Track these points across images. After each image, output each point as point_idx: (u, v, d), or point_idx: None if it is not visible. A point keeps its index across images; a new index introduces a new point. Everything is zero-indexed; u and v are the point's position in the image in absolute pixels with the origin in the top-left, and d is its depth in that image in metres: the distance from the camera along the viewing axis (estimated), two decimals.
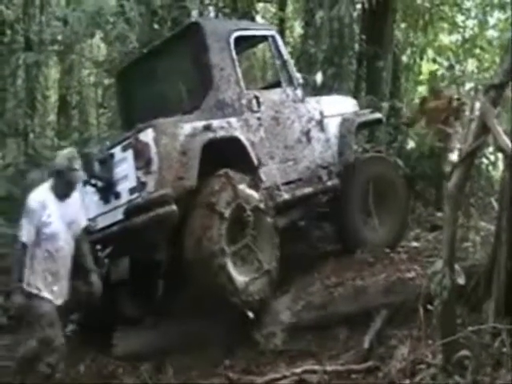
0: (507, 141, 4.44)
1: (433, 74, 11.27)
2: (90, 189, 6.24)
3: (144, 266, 6.26)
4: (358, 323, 5.73)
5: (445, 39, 13.61)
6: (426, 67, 13.39)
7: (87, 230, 5.87)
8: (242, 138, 6.27)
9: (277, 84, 7.07)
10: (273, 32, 7.13)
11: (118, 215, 5.98)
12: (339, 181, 7.21)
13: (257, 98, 6.66)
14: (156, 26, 10.03)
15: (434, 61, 13.18)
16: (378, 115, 8.18)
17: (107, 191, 6.14)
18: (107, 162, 6.11)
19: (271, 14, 13.84)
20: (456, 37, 13.50)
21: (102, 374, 6.00)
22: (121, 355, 6.07)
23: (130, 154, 5.92)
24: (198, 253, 5.78)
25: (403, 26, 13.15)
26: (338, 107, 7.64)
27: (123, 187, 6.03)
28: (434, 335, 4.88)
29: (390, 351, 5.35)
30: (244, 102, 6.55)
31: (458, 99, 9.64)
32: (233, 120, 6.35)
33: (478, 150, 4.90)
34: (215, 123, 6.15)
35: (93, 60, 11.47)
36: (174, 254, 6.00)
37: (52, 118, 12.98)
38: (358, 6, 12.29)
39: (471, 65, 13.31)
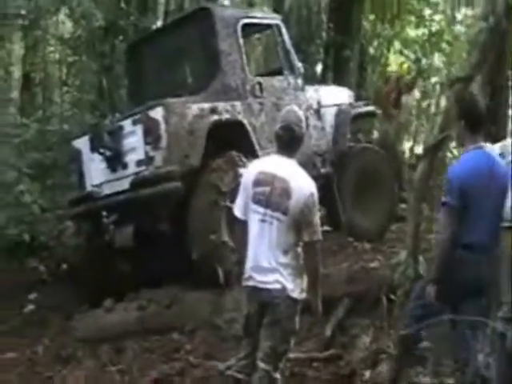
0: None
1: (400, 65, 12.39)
2: (97, 156, 7.07)
3: (147, 236, 7.11)
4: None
5: (411, 32, 14.85)
6: (393, 59, 14.66)
7: (92, 196, 6.77)
8: (245, 121, 7.14)
9: (278, 71, 7.92)
10: (277, 21, 7.96)
11: (125, 185, 6.77)
12: (332, 169, 8.18)
13: (260, 84, 7.51)
14: (122, 5, 10.77)
15: (401, 53, 14.43)
16: (371, 108, 9.20)
17: (114, 161, 6.96)
18: (116, 133, 6.93)
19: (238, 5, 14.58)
20: (423, 30, 14.75)
21: (61, 356, 6.44)
22: (80, 337, 6.66)
23: (139, 128, 6.72)
24: (201, 227, 6.62)
25: (371, 17, 14.27)
26: (335, 97, 8.57)
27: (130, 159, 6.86)
28: (397, 325, 5.24)
29: (352, 340, 5.80)
30: (248, 87, 7.39)
31: (410, 77, 10.75)
32: (237, 104, 7.18)
33: (443, 143, 5.43)
34: (220, 106, 6.97)
35: (58, 37, 11.90)
36: (176, 227, 6.86)
37: (15, 94, 13.34)
38: None
39: (438, 59, 14.55)
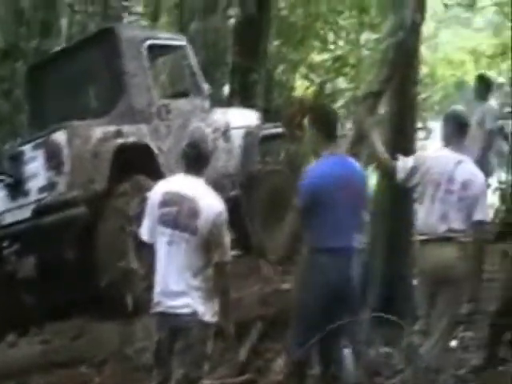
0: (382, 148, 5.13)
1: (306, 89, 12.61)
2: None
3: (51, 265, 6.89)
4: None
5: (316, 57, 15.11)
6: (299, 84, 14.87)
7: None
8: (152, 144, 7.05)
9: (184, 93, 7.88)
10: (184, 42, 7.91)
11: (26, 213, 6.55)
12: (241, 191, 8.16)
13: (166, 106, 7.45)
14: (23, 28, 10.58)
15: (307, 77, 14.66)
16: (279, 129, 9.19)
17: (15, 188, 6.73)
18: (17, 159, 6.70)
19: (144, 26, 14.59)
20: (327, 55, 15.05)
21: None
22: None
23: (41, 153, 6.53)
24: (108, 254, 6.47)
25: (276, 42, 14.44)
26: (243, 119, 8.56)
27: (32, 185, 6.64)
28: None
29: (267, 364, 5.74)
30: (154, 109, 7.31)
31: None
32: (143, 127, 7.10)
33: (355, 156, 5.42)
34: (126, 129, 6.87)
35: None
36: (82, 254, 6.68)
37: None
38: (232, 20, 13.45)
39: (342, 82, 14.85)
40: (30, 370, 6.17)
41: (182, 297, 4.20)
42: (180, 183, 4.35)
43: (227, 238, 4.30)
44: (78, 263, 6.74)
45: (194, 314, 4.19)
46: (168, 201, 4.27)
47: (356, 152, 5.38)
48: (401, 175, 4.98)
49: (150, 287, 4.42)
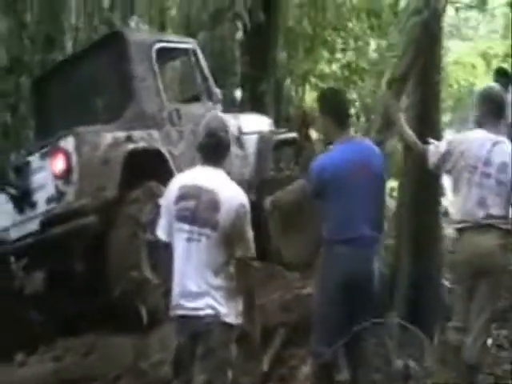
0: (411, 132, 5.01)
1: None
2: (2, 197, 6.54)
3: (61, 279, 6.64)
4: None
5: (326, 67, 14.91)
6: (309, 94, 14.64)
7: None
8: (163, 150, 6.79)
9: (196, 98, 7.64)
10: (194, 45, 7.70)
11: (34, 226, 6.29)
12: (256, 197, 7.77)
13: (177, 111, 7.21)
14: (26, 41, 10.45)
15: (316, 87, 14.45)
16: (292, 135, 8.97)
17: (22, 200, 6.45)
18: (23, 169, 6.45)
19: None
20: (335, 65, 14.86)
21: None
22: None
23: (48, 162, 6.28)
24: (121, 264, 6.20)
25: (284, 53, 14.28)
26: (255, 125, 8.34)
27: (40, 196, 6.36)
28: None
29: (291, 371, 5.59)
30: (165, 114, 7.07)
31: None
32: (154, 132, 6.85)
33: (382, 144, 5.39)
34: (136, 134, 6.62)
35: None
36: (93, 265, 6.38)
37: None
38: (240, 30, 13.28)
39: (352, 92, 14.60)
40: None
41: (203, 297, 3.93)
42: (198, 175, 4.10)
43: (250, 232, 4.05)
44: (88, 275, 6.45)
45: (216, 315, 3.93)
46: (185, 194, 4.01)
47: (382, 138, 5.24)
48: (433, 161, 4.78)
49: (165, 296, 4.21)
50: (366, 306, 4.51)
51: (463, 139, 4.78)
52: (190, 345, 3.97)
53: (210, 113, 7.19)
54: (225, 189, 4.01)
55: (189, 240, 3.96)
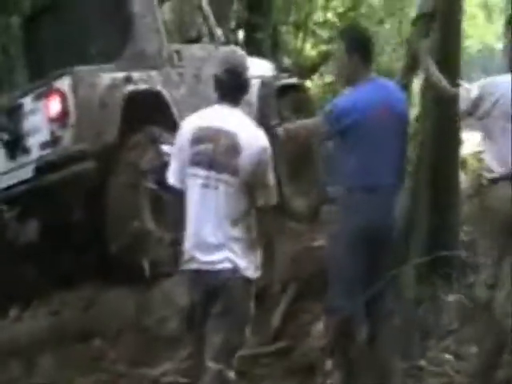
0: (439, 74, 4.63)
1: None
2: None
3: (57, 229, 6.32)
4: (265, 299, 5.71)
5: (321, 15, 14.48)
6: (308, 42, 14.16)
7: None
8: (164, 92, 6.42)
9: (197, 38, 7.26)
10: None
11: (27, 173, 5.95)
12: None
13: (178, 52, 6.85)
14: None
15: (314, 34, 14.00)
16: (294, 80, 8.58)
17: (14, 146, 6.11)
18: (15, 112, 6.09)
19: None
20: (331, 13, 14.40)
21: None
22: None
23: (42, 104, 5.91)
24: (120, 214, 5.88)
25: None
26: (258, 69, 7.89)
27: (33, 141, 6.02)
28: None
29: (304, 328, 5.32)
30: (165, 55, 6.71)
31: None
32: (154, 73, 6.48)
33: (408, 84, 5.13)
34: (136, 75, 6.24)
35: None
36: (91, 215, 6.11)
37: None
38: None
39: None
40: (37, 346, 5.62)
41: (221, 250, 3.57)
42: (215, 116, 3.71)
43: (273, 178, 3.67)
44: (86, 225, 6.21)
45: (235, 269, 3.57)
46: (202, 137, 3.63)
47: (408, 79, 4.93)
48: (463, 107, 4.43)
49: (171, 248, 3.84)
50: (385, 257, 4.30)
51: (497, 83, 4.40)
52: (205, 301, 3.62)
53: (219, 52, 6.85)
54: (246, 131, 3.63)
55: (205, 187, 3.59)
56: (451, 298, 5.33)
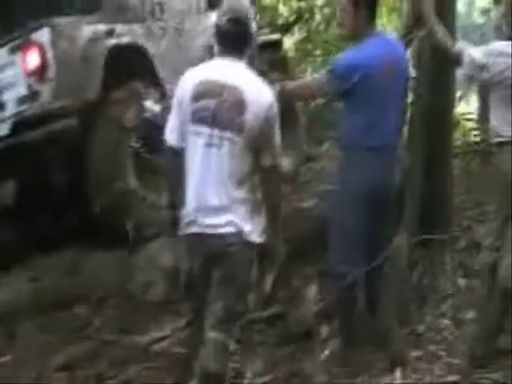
0: (444, 32, 4.38)
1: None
2: None
3: (35, 189, 6.11)
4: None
5: None
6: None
7: None
8: (147, 46, 6.20)
9: None
10: None
11: (3, 129, 5.70)
12: None
13: (160, 4, 6.62)
14: None
15: None
16: (275, 37, 8.33)
17: None
18: None
19: None
20: None
21: None
22: None
23: (19, 57, 5.63)
24: (103, 173, 5.69)
25: None
26: None
27: (8, 97, 5.75)
28: None
29: (297, 293, 5.18)
30: (147, 7, 6.49)
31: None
32: (135, 26, 6.26)
33: (410, 42, 4.98)
34: (118, 28, 6.00)
35: None
36: (71, 175, 5.94)
37: None
38: None
39: None
40: (17, 313, 5.36)
41: (225, 213, 3.36)
42: (218, 69, 3.47)
43: (278, 137, 3.47)
44: (66, 186, 6.03)
45: (239, 233, 3.37)
46: (204, 92, 3.39)
47: (412, 37, 4.75)
48: (466, 70, 4.26)
49: (174, 204, 3.59)
50: (387, 220, 4.22)
51: (502, 51, 4.22)
52: (205, 267, 3.42)
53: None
54: (251, 86, 3.40)
55: (208, 145, 3.37)
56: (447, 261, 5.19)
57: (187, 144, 3.44)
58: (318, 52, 13.82)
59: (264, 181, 3.47)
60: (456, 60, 4.29)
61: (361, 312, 4.27)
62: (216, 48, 3.58)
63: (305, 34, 13.81)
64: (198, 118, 3.38)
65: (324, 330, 4.59)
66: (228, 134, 3.34)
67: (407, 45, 4.65)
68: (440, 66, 5.01)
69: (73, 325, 5.26)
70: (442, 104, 5.45)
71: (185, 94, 3.44)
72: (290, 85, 4.55)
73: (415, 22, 4.79)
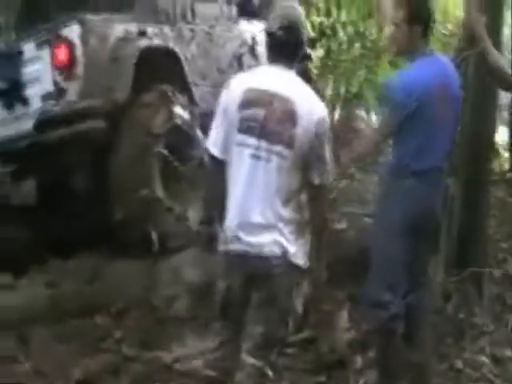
0: (497, 54, 4.19)
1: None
2: None
3: (56, 191, 5.97)
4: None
5: None
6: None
7: None
8: (177, 49, 6.08)
9: None
10: None
11: (26, 125, 5.58)
12: None
13: (192, 8, 6.52)
14: None
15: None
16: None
17: (11, 94, 5.74)
18: (13, 59, 5.69)
19: None
20: None
21: None
22: None
23: (46, 52, 5.51)
24: (127, 180, 5.53)
25: None
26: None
27: (33, 92, 5.65)
28: None
29: (328, 318, 4.96)
30: (179, 10, 6.38)
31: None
32: (166, 29, 6.14)
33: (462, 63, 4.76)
34: (150, 29, 5.88)
35: None
36: (94, 179, 5.79)
37: None
38: None
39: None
40: (33, 319, 5.11)
41: (269, 232, 3.13)
42: (269, 77, 3.25)
43: (329, 153, 3.23)
44: (89, 189, 5.90)
45: (284, 255, 3.14)
46: (253, 100, 3.16)
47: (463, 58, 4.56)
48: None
49: (211, 218, 3.59)
50: (428, 247, 4.05)
51: None
52: (244, 287, 3.20)
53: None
54: (303, 97, 3.18)
55: (255, 158, 3.14)
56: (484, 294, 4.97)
57: (231, 155, 3.21)
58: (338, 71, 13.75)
59: (311, 200, 3.25)
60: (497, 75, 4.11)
61: (398, 344, 4.04)
62: (266, 55, 3.40)
63: (326, 51, 13.72)
64: (246, 127, 3.16)
65: (358, 360, 4.41)
66: (277, 148, 3.12)
67: (458, 66, 4.41)
68: (484, 89, 4.85)
69: (92, 335, 5.05)
70: (484, 129, 5.28)
71: (231, 101, 3.22)
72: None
73: (468, 43, 4.56)
